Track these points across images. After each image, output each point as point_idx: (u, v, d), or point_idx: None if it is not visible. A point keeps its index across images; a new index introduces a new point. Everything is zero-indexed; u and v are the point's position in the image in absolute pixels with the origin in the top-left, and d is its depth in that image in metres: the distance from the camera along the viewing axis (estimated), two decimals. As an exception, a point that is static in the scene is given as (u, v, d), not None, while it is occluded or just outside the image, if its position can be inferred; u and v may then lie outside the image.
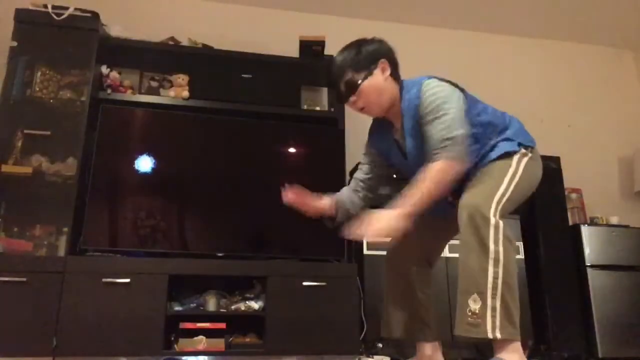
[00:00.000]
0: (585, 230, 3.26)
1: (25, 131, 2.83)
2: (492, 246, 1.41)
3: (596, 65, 4.31)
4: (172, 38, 3.30)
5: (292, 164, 3.16)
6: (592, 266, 3.18)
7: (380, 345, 2.83)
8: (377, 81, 1.63)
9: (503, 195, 1.50)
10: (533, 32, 4.19)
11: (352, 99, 1.64)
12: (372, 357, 2.69)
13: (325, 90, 3.62)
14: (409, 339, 1.75)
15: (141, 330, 2.51)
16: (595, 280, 3.15)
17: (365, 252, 2.92)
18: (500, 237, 1.42)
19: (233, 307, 2.71)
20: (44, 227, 2.82)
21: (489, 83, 4.02)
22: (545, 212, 3.24)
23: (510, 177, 1.55)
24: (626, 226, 3.38)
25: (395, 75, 1.68)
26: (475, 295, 1.40)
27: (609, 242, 3.26)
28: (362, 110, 1.68)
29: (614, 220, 3.53)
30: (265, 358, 2.61)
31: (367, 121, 1.85)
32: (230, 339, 2.63)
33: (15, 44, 2.85)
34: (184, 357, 2.54)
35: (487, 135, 1.62)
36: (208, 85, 3.19)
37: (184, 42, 3.32)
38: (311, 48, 3.31)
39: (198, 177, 2.98)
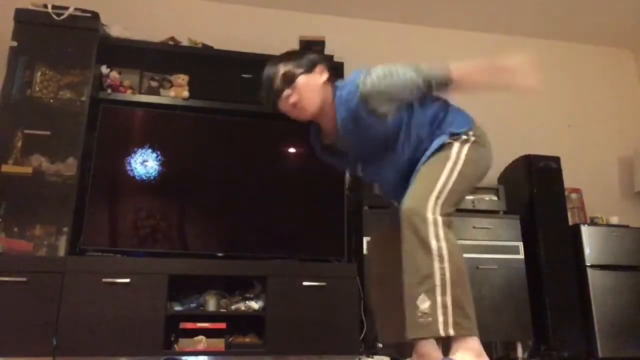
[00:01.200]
0: (585, 230, 3.26)
1: (25, 131, 2.83)
2: (433, 243, 1.40)
3: (596, 65, 4.31)
4: (172, 38, 3.30)
5: (292, 164, 3.16)
6: (592, 266, 3.18)
7: (380, 345, 2.83)
8: (315, 80, 1.63)
9: (442, 190, 1.49)
10: (533, 32, 4.19)
11: (287, 92, 1.61)
12: (372, 357, 2.69)
13: (325, 90, 3.61)
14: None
15: (141, 330, 2.51)
16: (595, 280, 3.15)
17: (365, 252, 2.92)
18: (441, 233, 1.41)
19: (233, 307, 2.71)
20: (44, 227, 2.81)
21: (489, 83, 4.02)
22: (545, 212, 3.24)
23: (450, 169, 1.53)
24: (626, 226, 3.38)
25: (332, 82, 1.66)
26: (422, 296, 1.38)
27: (609, 242, 3.26)
28: (293, 107, 1.63)
29: (614, 220, 3.53)
30: (265, 358, 2.61)
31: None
32: (230, 339, 2.63)
33: (15, 44, 2.85)
34: (184, 357, 2.54)
35: (428, 130, 1.63)
36: (208, 85, 3.19)
37: (184, 42, 3.32)
38: (311, 48, 3.30)
39: (198, 177, 2.98)
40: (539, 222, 3.21)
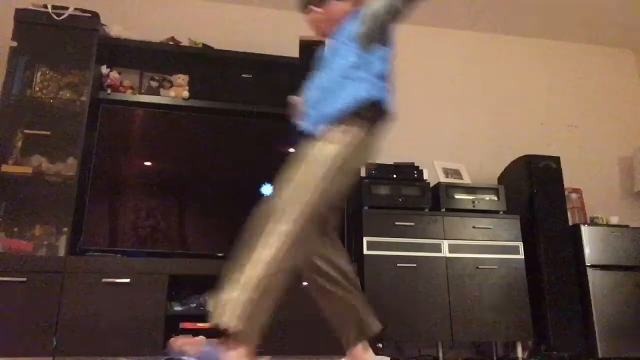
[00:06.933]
0: (585, 230, 3.26)
1: (25, 131, 2.84)
2: (270, 249, 1.44)
3: (596, 65, 4.31)
4: (172, 38, 3.30)
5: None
6: (592, 266, 3.18)
7: (380, 345, 2.82)
8: (344, 7, 1.72)
9: (312, 199, 1.46)
10: (533, 32, 4.19)
11: (314, 9, 1.78)
12: (372, 357, 2.68)
13: (325, 90, 3.61)
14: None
15: (141, 330, 2.51)
16: (595, 280, 3.15)
17: (365, 252, 2.92)
18: (280, 244, 1.44)
19: (233, 307, 2.71)
20: (44, 227, 2.82)
21: (489, 83, 4.02)
22: (545, 212, 3.24)
23: (325, 173, 1.47)
24: (626, 226, 3.38)
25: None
26: (233, 283, 1.42)
27: (609, 242, 3.26)
28: (313, 22, 1.81)
29: (614, 220, 3.52)
30: (264, 358, 2.60)
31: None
32: (230, 339, 2.63)
33: (15, 44, 2.85)
34: (184, 357, 2.54)
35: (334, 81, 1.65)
36: (208, 85, 3.19)
37: (184, 42, 3.32)
38: (311, 48, 3.30)
39: (198, 177, 2.98)
40: (539, 222, 3.21)
